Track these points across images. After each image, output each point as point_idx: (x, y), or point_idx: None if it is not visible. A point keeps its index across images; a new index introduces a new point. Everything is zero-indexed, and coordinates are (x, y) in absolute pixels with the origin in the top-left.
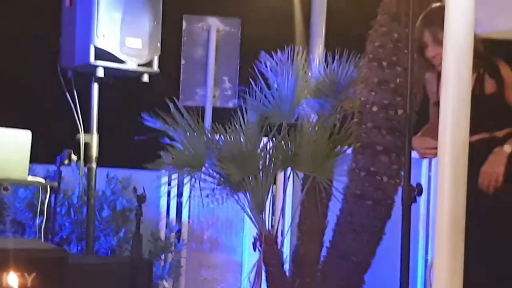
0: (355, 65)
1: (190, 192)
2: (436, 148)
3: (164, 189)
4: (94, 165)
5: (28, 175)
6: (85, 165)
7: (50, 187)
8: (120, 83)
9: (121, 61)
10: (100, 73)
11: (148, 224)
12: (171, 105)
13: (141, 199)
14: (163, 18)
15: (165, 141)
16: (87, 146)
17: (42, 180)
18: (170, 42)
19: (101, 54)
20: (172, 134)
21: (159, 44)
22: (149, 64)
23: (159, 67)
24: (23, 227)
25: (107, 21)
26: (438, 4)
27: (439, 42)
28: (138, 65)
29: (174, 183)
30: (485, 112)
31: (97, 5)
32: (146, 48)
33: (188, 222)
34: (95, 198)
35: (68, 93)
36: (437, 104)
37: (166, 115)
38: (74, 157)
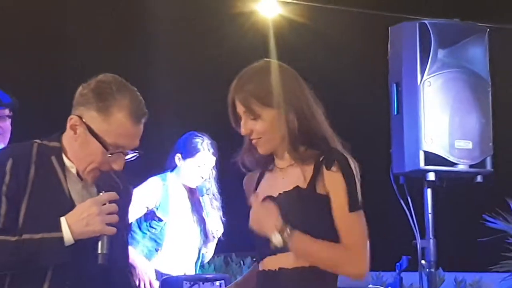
0: None
1: None
2: None
3: None
4: (433, 270)
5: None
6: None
7: None
8: (452, 185)
9: (452, 164)
10: (431, 177)
11: None
12: None
13: None
14: (494, 117)
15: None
16: (424, 251)
17: None
18: (503, 140)
19: (431, 159)
20: None
21: (490, 144)
22: (481, 164)
23: (492, 166)
24: None
25: (435, 125)
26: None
27: (253, 113)
28: (470, 166)
29: None
30: None
31: (423, 110)
32: (477, 148)
33: None
34: None
35: (402, 199)
36: None
37: (508, 214)
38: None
